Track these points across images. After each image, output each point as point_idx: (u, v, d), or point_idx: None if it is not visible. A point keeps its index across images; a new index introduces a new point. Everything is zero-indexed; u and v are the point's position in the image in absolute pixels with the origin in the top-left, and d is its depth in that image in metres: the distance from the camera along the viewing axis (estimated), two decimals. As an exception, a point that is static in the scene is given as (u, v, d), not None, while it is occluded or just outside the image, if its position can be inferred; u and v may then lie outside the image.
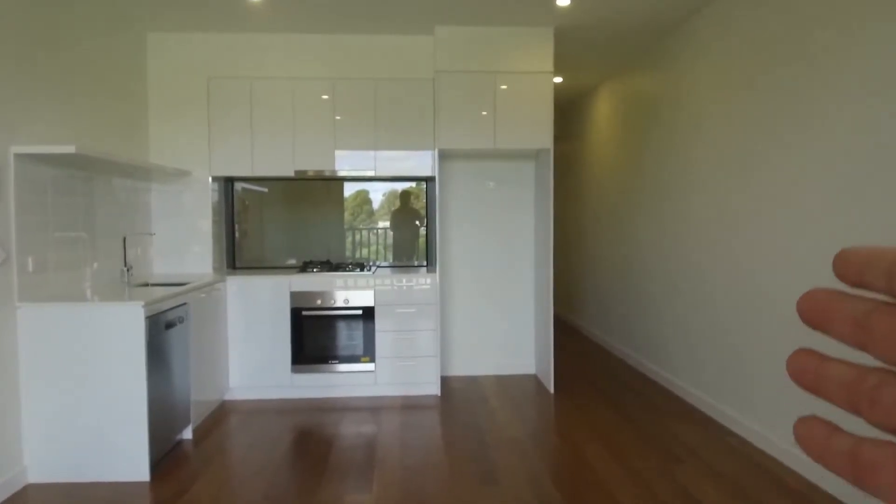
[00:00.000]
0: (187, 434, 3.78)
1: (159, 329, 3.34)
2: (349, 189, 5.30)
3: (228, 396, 4.57)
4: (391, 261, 5.34)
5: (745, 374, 3.74)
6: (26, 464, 3.11)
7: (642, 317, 5.34)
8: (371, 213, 5.34)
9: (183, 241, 4.74)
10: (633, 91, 5.61)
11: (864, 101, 2.79)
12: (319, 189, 5.26)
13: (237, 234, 5.18)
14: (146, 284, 4.14)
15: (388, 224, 5.34)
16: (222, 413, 4.28)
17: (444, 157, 5.03)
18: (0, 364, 2.98)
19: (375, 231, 5.35)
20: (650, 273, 5.16)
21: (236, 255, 5.18)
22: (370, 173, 4.81)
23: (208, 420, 4.13)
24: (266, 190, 5.20)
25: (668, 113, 4.81)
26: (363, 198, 5.32)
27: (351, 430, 3.96)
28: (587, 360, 5.78)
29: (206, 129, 4.68)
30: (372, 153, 4.77)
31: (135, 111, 4.48)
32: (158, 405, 3.31)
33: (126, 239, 4.18)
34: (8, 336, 3.04)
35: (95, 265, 3.82)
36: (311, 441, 3.76)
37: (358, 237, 5.36)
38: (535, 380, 5.08)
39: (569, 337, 6.84)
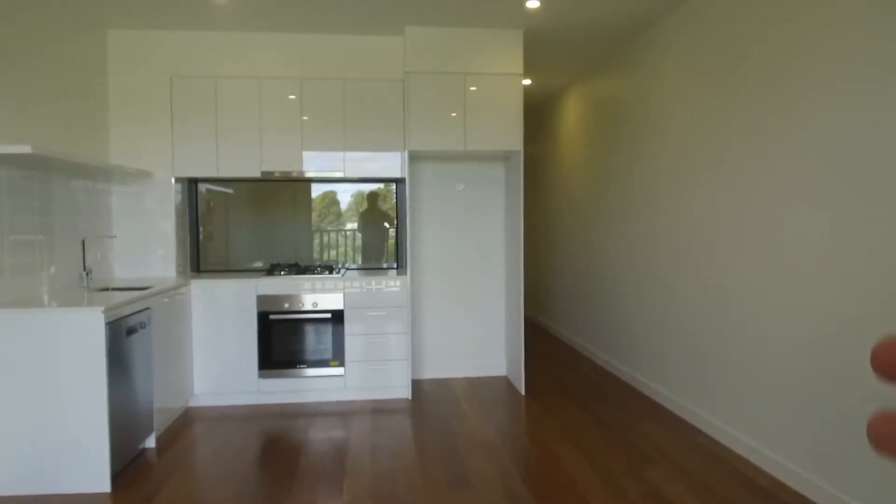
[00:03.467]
0: (150, 443, 3.67)
1: (120, 335, 3.23)
2: (317, 190, 5.23)
3: (193, 403, 4.46)
4: (360, 263, 5.29)
5: (711, 374, 3.79)
6: (-21, 477, 2.98)
7: (610, 317, 5.38)
8: (339, 215, 5.27)
9: (145, 244, 4.61)
10: (601, 94, 5.66)
11: (829, 103, 2.85)
12: (286, 190, 5.17)
13: (201, 237, 5.06)
14: (107, 289, 4.01)
15: (356, 226, 5.28)
16: (187, 420, 4.17)
17: (413, 158, 5.00)
18: (-50, 373, 2.85)
19: (344, 233, 5.29)
20: (618, 274, 5.21)
21: (201, 258, 5.06)
22: (339, 174, 4.74)
23: (172, 428, 4.02)
24: (231, 191, 5.10)
25: (634, 116, 4.86)
26: (331, 199, 5.26)
27: (320, 435, 3.89)
28: (557, 361, 5.81)
29: (169, 129, 4.56)
30: (340, 154, 4.71)
31: (95, 111, 4.34)
32: (120, 413, 3.20)
33: (85, 242, 4.04)
34: (-41, 344, 2.90)
35: (53, 269, 3.68)
36: (279, 448, 3.68)
37: (326, 239, 5.29)
38: (505, 381, 5.07)
39: (538, 337, 6.86)
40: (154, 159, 4.56)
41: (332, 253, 5.28)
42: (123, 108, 4.53)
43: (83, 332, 3.01)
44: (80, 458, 3.03)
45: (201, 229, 5.06)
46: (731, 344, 3.60)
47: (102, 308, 3.02)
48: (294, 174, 4.69)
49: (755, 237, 3.36)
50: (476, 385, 4.97)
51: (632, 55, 4.91)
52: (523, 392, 4.70)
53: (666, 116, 4.35)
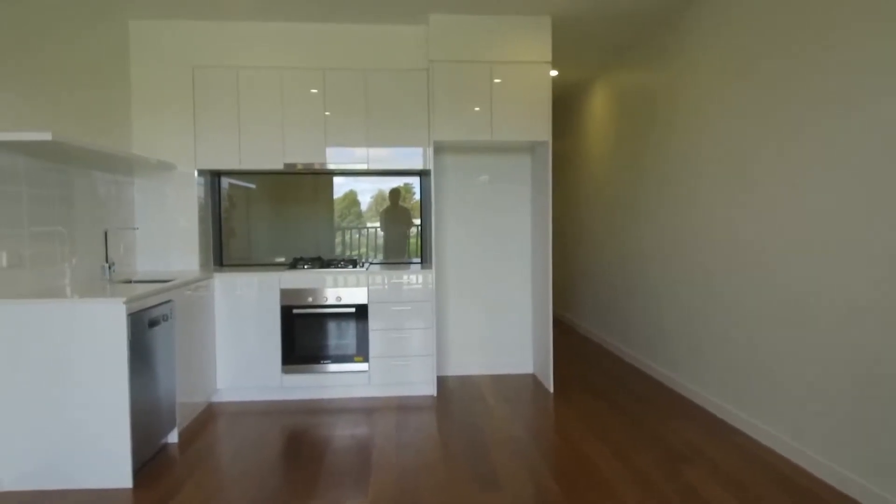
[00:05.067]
0: (173, 438, 3.60)
1: (142, 327, 3.16)
2: (338, 191, 5.11)
3: (216, 398, 4.40)
4: (382, 259, 5.19)
5: (748, 371, 3.63)
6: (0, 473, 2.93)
7: (641, 314, 5.22)
8: (359, 215, 5.16)
9: (167, 238, 4.56)
10: (630, 84, 5.50)
11: (875, 90, 2.69)
12: (308, 185, 5.09)
13: (223, 231, 5.00)
14: (129, 281, 3.96)
15: (377, 224, 5.17)
16: (209, 415, 4.11)
17: (436, 150, 4.89)
18: (-29, 365, 2.80)
19: (365, 231, 5.18)
20: (648, 269, 5.05)
21: (223, 251, 5.01)
22: (362, 166, 4.65)
23: (195, 423, 3.95)
24: (254, 186, 5.03)
25: (667, 107, 4.70)
26: (352, 199, 5.15)
27: (345, 432, 3.80)
28: (585, 359, 5.66)
29: (192, 121, 4.51)
30: (364, 143, 4.61)
31: (117, 102, 4.30)
32: (142, 407, 3.14)
33: (108, 235, 3.99)
34: (-20, 335, 2.85)
35: (75, 261, 3.63)
36: (303, 444, 3.60)
37: (347, 236, 5.19)
38: (533, 379, 4.94)
39: (564, 335, 6.71)
40: (176, 151, 4.51)
41: (354, 251, 5.18)
42: (145, 99, 4.48)
43: (105, 324, 2.94)
44: (101, 452, 2.96)
45: (223, 223, 5.00)
46: (770, 340, 3.44)
47: (124, 299, 2.95)
48: (317, 166, 4.61)
49: (795, 229, 3.20)
50: (502, 382, 4.85)
51: (664, 43, 4.75)
52: (551, 390, 4.56)
53: (700, 107, 4.18)
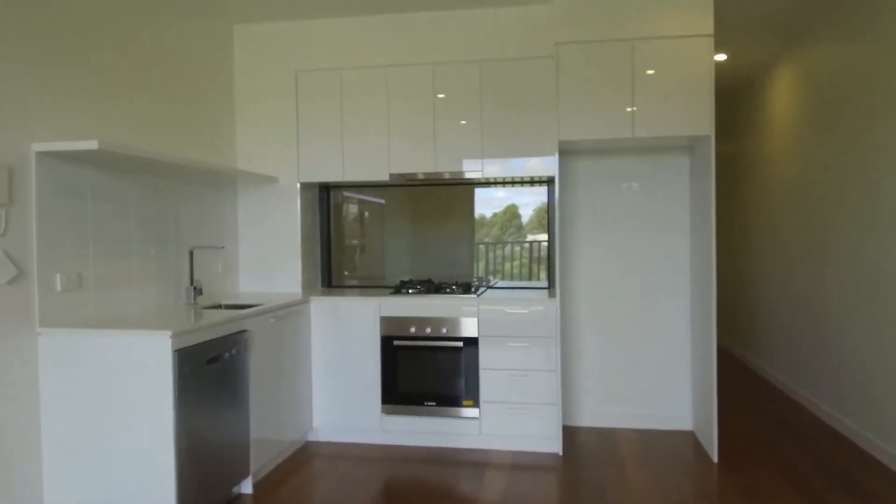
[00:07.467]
0: (246, 488, 3.14)
1: (198, 364, 2.71)
2: (489, 203, 4.39)
3: (312, 437, 3.93)
4: (505, 280, 4.42)
5: None
6: (42, 523, 2.61)
7: (841, 354, 3.97)
8: (520, 228, 4.40)
9: (269, 256, 4.20)
10: (827, 70, 4.29)
11: None
12: (433, 198, 4.46)
13: (332, 249, 4.56)
14: (219, 306, 3.61)
15: (522, 239, 4.39)
16: (301, 458, 3.63)
17: (564, 153, 4.09)
18: (19, 401, 2.51)
19: (501, 246, 4.44)
20: (854, 295, 3.81)
21: (332, 271, 4.57)
22: (476, 174, 3.97)
23: (283, 466, 3.49)
24: (365, 198, 4.54)
25: (869, 99, 3.49)
26: (512, 212, 4.41)
27: (448, 489, 3.11)
28: (762, 412, 4.46)
29: (295, 130, 4.12)
30: (478, 146, 3.93)
31: (220, 111, 4.02)
32: (197, 457, 2.68)
33: (194, 254, 3.67)
34: (28, 367, 2.56)
35: (159, 283, 3.33)
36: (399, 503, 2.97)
37: (478, 252, 4.46)
38: (691, 439, 3.90)
39: (735, 376, 5.49)
40: (279, 163, 4.15)
41: (481, 265, 4.45)
42: (248, 108, 4.18)
43: (150, 360, 2.53)
44: (145, 510, 2.54)
45: (333, 240, 4.57)
46: None
47: (170, 332, 2.51)
48: (425, 175, 4.01)
49: None
50: (650, 441, 3.88)
51: (880, 7, 3.56)
52: (715, 458, 3.52)
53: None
